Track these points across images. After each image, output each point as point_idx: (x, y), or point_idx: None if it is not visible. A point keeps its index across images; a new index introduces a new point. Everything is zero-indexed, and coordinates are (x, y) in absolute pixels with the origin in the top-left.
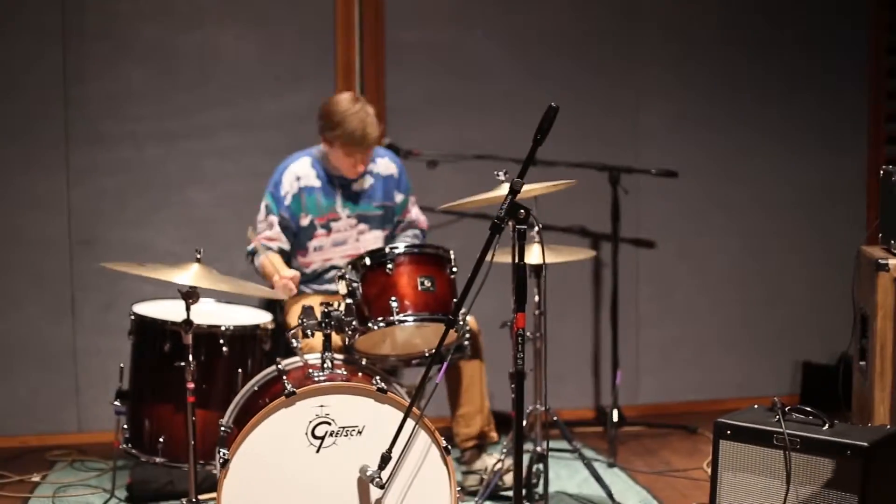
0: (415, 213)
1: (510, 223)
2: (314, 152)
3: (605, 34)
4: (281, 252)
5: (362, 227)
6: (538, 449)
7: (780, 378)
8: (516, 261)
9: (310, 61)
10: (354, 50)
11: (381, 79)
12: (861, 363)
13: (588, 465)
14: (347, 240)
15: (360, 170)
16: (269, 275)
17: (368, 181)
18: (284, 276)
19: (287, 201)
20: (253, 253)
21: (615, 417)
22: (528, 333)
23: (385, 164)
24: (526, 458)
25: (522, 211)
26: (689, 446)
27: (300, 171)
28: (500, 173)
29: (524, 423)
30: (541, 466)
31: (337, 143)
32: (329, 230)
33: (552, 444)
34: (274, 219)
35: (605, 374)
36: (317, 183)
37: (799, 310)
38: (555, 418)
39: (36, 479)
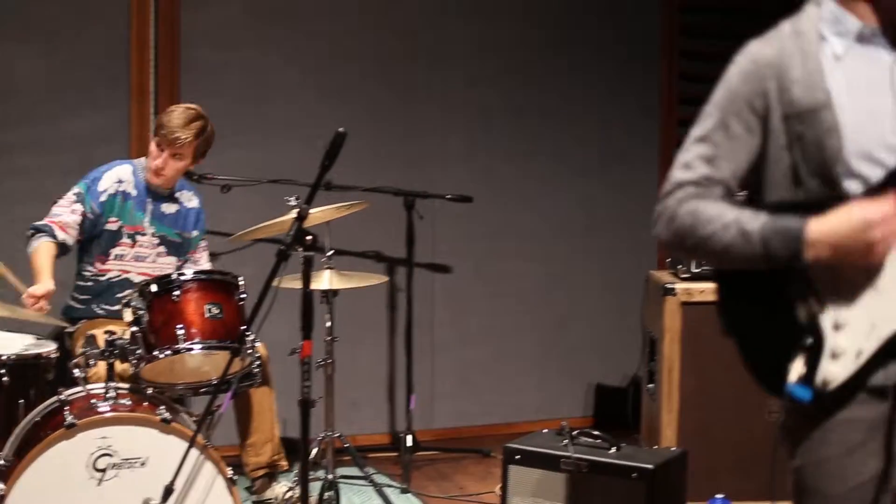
0: (203, 261)
1: (298, 249)
2: (136, 163)
3: (404, 58)
4: (62, 248)
5: (161, 249)
6: (329, 476)
7: (574, 401)
8: (303, 288)
9: (104, 81)
10: (149, 70)
11: (175, 98)
12: (649, 386)
13: (380, 491)
14: (147, 257)
15: (159, 167)
16: (36, 271)
17: (175, 207)
18: (33, 293)
19: (102, 198)
20: (36, 230)
21: (409, 442)
22: (318, 360)
23: (188, 197)
24: (317, 486)
25: (310, 237)
26: (483, 470)
27: (123, 176)
28: (292, 199)
29: (315, 450)
30: (332, 493)
31: (157, 131)
32: (134, 242)
33: (346, 471)
34: (79, 208)
35: (401, 400)
36: (134, 192)
37: (592, 333)
38: (346, 444)
39: None
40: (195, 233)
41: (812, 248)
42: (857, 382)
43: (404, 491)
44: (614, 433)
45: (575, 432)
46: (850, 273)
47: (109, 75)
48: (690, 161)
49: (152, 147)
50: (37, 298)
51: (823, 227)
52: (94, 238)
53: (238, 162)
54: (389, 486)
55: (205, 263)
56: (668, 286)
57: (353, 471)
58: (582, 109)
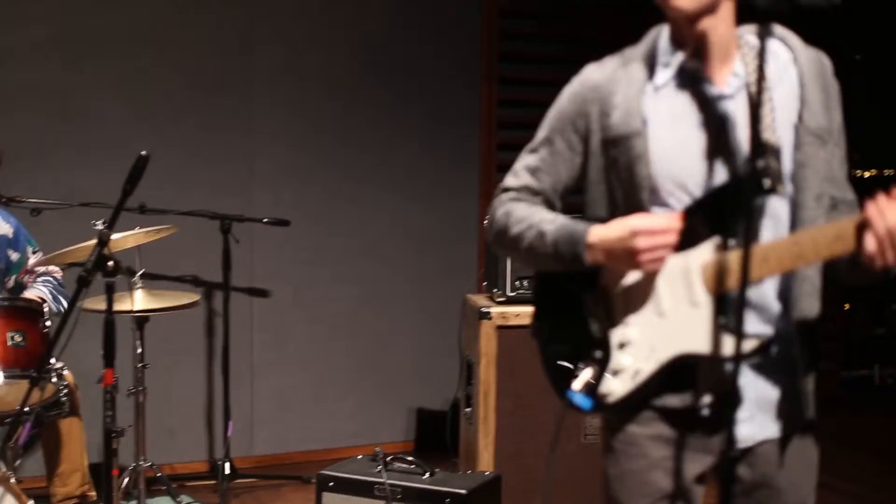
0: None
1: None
2: None
3: (219, 79)
4: None
5: None
6: None
7: (394, 425)
8: (106, 314)
9: None
10: None
11: None
12: (466, 410)
13: None
14: None
15: None
16: None
17: None
18: None
19: None
20: None
21: (227, 470)
22: (129, 387)
23: None
24: None
25: (111, 262)
26: (303, 497)
27: None
28: (98, 223)
29: (126, 480)
30: None
31: None
32: None
33: (160, 501)
34: None
35: (219, 426)
36: None
37: (412, 357)
38: (158, 474)
39: None
40: (15, 255)
41: (590, 250)
42: (641, 400)
43: None
44: (434, 457)
45: (389, 458)
46: (638, 294)
47: None
48: (518, 170)
49: None
50: None
51: (601, 232)
52: None
53: (53, 184)
54: None
55: (50, 266)
56: (484, 310)
57: (167, 501)
58: (402, 134)
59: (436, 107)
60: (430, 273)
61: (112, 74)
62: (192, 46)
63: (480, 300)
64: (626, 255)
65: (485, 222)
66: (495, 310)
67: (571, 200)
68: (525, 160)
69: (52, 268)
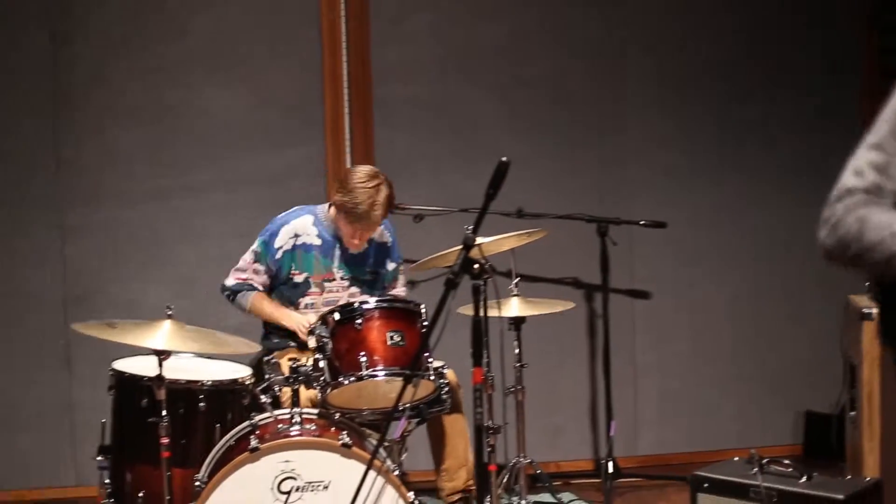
0: (400, 285)
1: (466, 278)
2: (318, 211)
3: (596, 83)
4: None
5: (354, 289)
6: (522, 502)
7: (780, 428)
8: (474, 316)
9: (298, 118)
10: (343, 105)
11: (369, 133)
12: (851, 413)
13: None
14: (339, 300)
15: (355, 244)
16: (269, 314)
17: (363, 245)
18: (303, 326)
19: (277, 255)
20: (235, 291)
21: (610, 469)
22: (508, 386)
23: (380, 232)
24: None
25: (476, 265)
26: (686, 499)
27: (300, 229)
28: (469, 227)
29: (507, 476)
30: None
31: (342, 210)
32: (322, 289)
33: (540, 498)
34: (260, 267)
35: (603, 426)
36: (317, 241)
37: (801, 358)
38: (538, 471)
39: None
40: (391, 265)
41: None
42: None
43: None
44: (822, 462)
45: (765, 461)
46: None
47: (303, 112)
48: (861, 168)
49: (341, 221)
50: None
51: None
52: (281, 287)
53: (431, 191)
54: None
55: (400, 290)
56: (866, 311)
57: (548, 497)
58: (782, 131)
59: (815, 97)
60: (813, 271)
61: (488, 84)
62: (570, 51)
63: (862, 301)
64: None
65: (822, 225)
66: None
67: None
68: (868, 157)
69: (398, 287)
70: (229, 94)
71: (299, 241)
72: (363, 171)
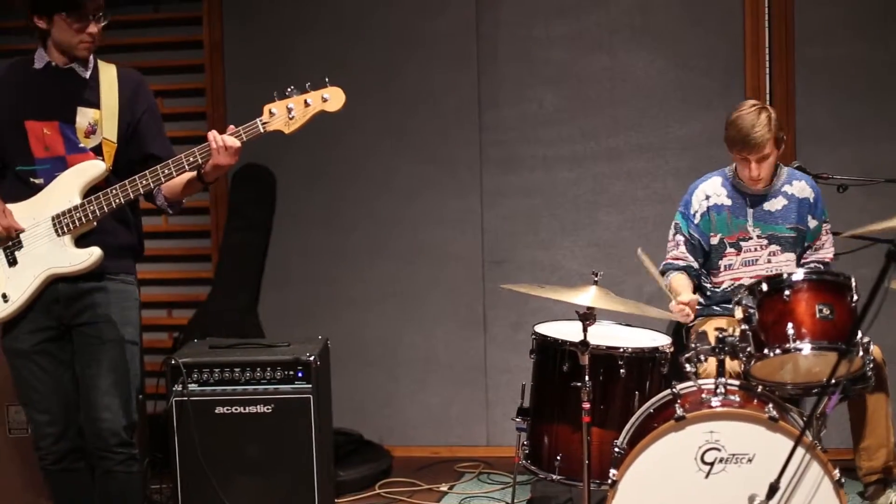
0: (826, 245)
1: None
2: (726, 171)
3: None
4: (689, 271)
5: (774, 247)
6: None
7: None
8: None
9: (717, 84)
10: (764, 71)
11: (790, 100)
12: None
13: None
14: (758, 259)
15: (755, 177)
16: (676, 290)
17: (782, 202)
18: (680, 301)
19: (696, 220)
20: (663, 272)
21: None
22: None
23: (801, 187)
24: None
25: None
26: None
27: (710, 190)
28: None
29: None
30: None
31: (731, 146)
32: (739, 249)
33: None
34: (680, 238)
35: None
36: (727, 201)
37: None
38: None
39: (444, 488)
40: (814, 222)
41: None
42: None
43: None
44: None
45: None
46: None
47: (722, 78)
48: None
49: (736, 160)
50: (684, 305)
51: None
52: (706, 254)
53: (853, 160)
54: None
55: (827, 251)
56: None
57: None
58: None
59: None
60: None
61: None
62: None
63: None
64: None
65: None
66: None
67: None
68: None
69: (828, 256)
70: (649, 60)
71: (711, 203)
72: (744, 103)
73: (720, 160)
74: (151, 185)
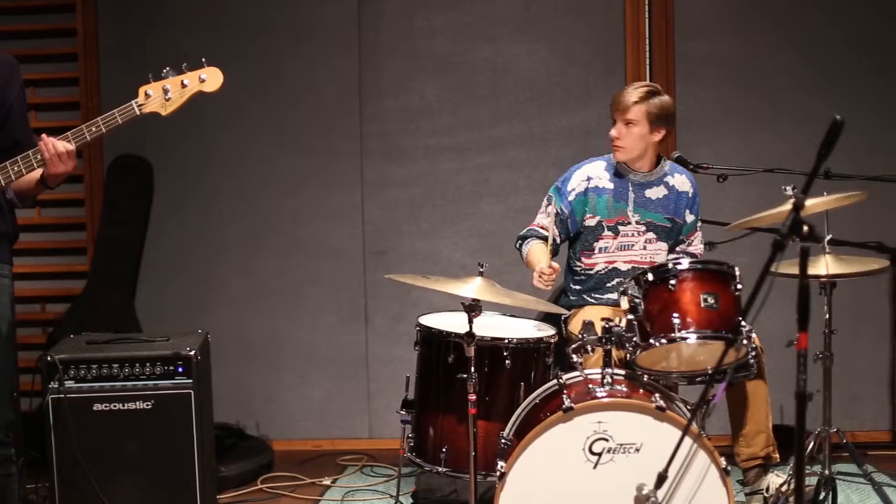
0: (695, 242)
1: (794, 240)
2: (610, 157)
3: None
4: (554, 245)
5: (650, 235)
6: (825, 472)
7: None
8: (800, 278)
9: (599, 75)
10: (644, 63)
11: (671, 91)
12: None
13: (879, 490)
14: (634, 245)
15: (613, 136)
16: (532, 264)
17: (662, 191)
18: (542, 270)
19: (570, 197)
20: (523, 238)
21: None
22: (816, 352)
23: (681, 181)
24: (812, 481)
25: (806, 227)
26: None
27: (592, 173)
28: (788, 188)
29: (811, 444)
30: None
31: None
32: (616, 233)
33: (843, 468)
34: (551, 210)
35: None
36: (609, 185)
37: None
38: (844, 440)
39: (327, 482)
40: (690, 217)
41: None
42: None
43: None
44: None
45: None
46: None
47: (604, 69)
48: None
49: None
50: (544, 274)
51: None
52: (577, 235)
53: (732, 151)
54: (889, 485)
55: (697, 247)
56: None
57: (851, 467)
58: None
59: None
60: None
61: (792, 40)
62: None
63: None
64: None
65: None
66: None
67: None
68: None
69: (698, 253)
70: (532, 51)
71: (591, 185)
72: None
73: (601, 150)
74: (24, 171)
